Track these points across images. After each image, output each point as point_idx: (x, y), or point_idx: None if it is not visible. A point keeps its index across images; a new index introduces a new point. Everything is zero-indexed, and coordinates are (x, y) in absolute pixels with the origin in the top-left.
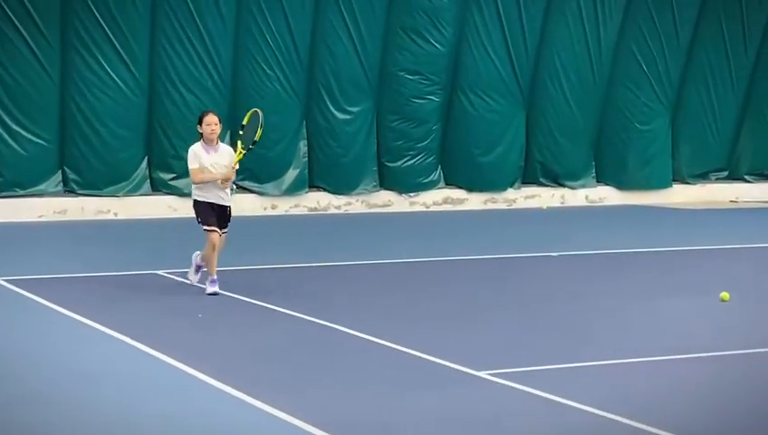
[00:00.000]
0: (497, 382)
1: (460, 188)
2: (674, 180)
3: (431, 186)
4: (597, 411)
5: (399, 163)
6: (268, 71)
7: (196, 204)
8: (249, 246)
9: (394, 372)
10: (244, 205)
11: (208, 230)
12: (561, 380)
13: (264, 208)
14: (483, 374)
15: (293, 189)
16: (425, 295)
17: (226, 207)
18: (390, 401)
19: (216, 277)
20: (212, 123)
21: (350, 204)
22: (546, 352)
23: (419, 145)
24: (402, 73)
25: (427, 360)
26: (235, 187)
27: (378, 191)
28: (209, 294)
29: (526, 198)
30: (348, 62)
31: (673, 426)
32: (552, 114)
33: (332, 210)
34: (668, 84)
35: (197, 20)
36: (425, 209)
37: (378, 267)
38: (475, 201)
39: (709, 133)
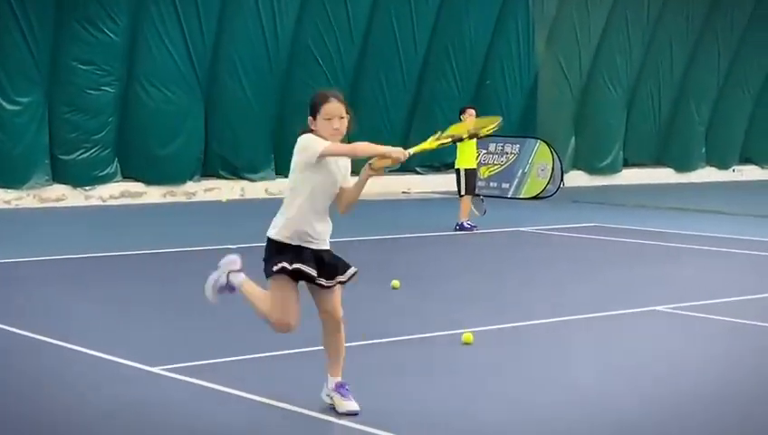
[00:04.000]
0: (171, 377)
1: (138, 181)
2: (351, 173)
3: (108, 179)
4: (266, 401)
5: (74, 156)
6: None
7: None
8: None
9: (62, 371)
10: None
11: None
12: (234, 372)
13: None
14: (156, 370)
15: None
16: (88, 292)
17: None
18: (59, 401)
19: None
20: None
21: (20, 198)
22: (218, 345)
23: (95, 137)
24: (75, 63)
25: (97, 356)
26: None
27: (51, 185)
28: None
29: (206, 190)
30: (16, 52)
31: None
32: (231, 107)
33: (1, 205)
34: (344, 79)
35: None
36: (101, 203)
37: (44, 264)
38: (153, 194)
39: (383, 128)
